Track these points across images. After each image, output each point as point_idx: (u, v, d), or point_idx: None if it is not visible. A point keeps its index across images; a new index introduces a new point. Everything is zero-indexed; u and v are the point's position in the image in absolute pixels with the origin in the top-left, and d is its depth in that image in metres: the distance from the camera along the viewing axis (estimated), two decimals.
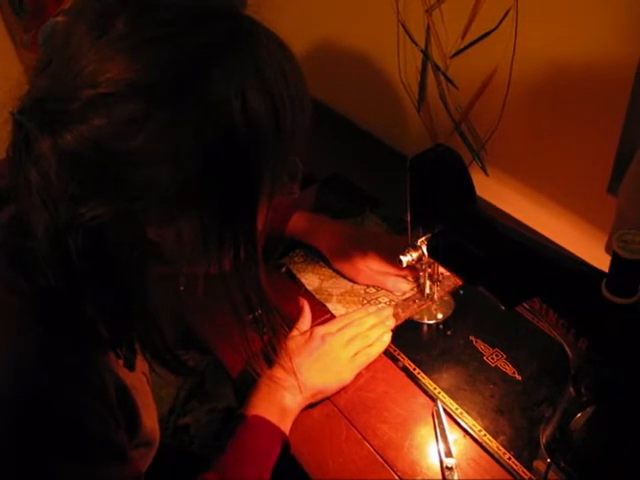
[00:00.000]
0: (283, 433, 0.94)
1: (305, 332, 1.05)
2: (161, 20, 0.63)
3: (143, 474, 0.80)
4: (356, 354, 1.03)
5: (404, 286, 1.16)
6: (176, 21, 0.64)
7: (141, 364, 0.87)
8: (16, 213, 0.67)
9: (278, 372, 0.98)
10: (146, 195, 0.63)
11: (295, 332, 1.06)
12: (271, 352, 0.92)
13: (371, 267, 1.16)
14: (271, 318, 0.83)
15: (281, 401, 0.96)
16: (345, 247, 1.18)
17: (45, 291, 0.65)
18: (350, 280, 1.18)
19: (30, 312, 0.68)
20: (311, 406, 1.00)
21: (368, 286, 1.18)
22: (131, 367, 0.78)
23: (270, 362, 0.99)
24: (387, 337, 1.07)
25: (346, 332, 1.05)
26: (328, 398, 1.01)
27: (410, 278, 1.17)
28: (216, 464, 0.90)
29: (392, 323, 1.09)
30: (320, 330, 1.05)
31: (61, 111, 0.61)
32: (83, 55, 0.61)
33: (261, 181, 0.69)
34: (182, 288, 0.76)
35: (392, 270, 1.16)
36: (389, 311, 1.11)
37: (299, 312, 1.10)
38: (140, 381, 0.87)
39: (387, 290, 1.16)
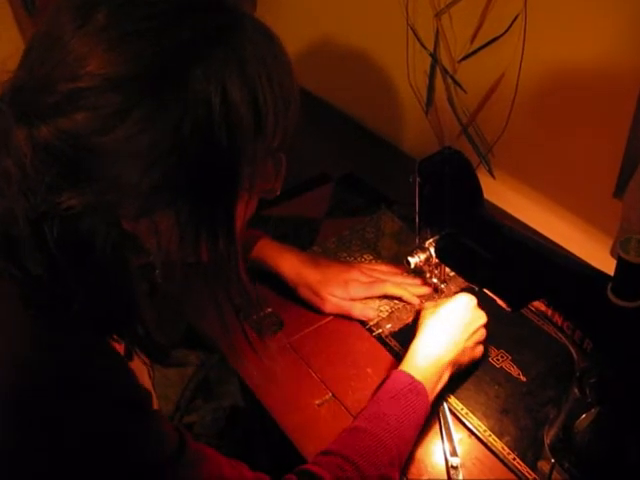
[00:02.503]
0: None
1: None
2: (144, 13, 0.63)
3: None
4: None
5: (370, 312, 1.14)
6: (159, 15, 0.63)
7: (142, 355, 0.88)
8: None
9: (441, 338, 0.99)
10: (120, 188, 0.63)
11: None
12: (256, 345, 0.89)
13: (335, 294, 1.14)
14: (254, 312, 0.83)
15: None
16: (308, 276, 1.15)
17: (34, 277, 0.65)
18: (317, 309, 1.15)
19: (22, 297, 0.67)
20: (319, 405, 1.01)
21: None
22: (129, 356, 0.78)
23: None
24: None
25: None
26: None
27: (377, 304, 1.16)
28: (366, 413, 0.92)
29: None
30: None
31: (38, 102, 0.61)
32: (63, 46, 0.61)
33: (239, 177, 0.68)
34: (160, 278, 0.75)
35: (356, 296, 1.15)
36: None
37: None
38: (140, 372, 0.87)
39: (354, 317, 1.14)
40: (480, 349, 1.04)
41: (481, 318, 1.04)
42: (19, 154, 0.61)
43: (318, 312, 1.14)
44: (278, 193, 0.79)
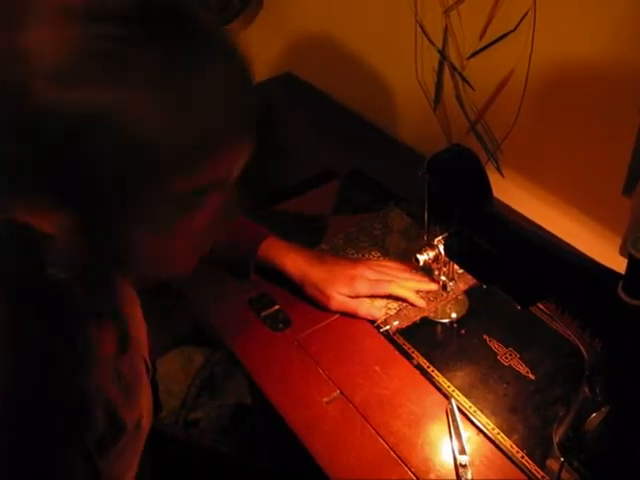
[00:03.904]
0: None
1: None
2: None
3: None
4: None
5: (377, 312, 1.13)
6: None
7: (142, 349, 0.88)
8: None
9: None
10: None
11: None
12: None
13: (341, 292, 1.14)
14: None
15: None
16: (313, 274, 1.15)
17: None
18: (323, 307, 1.15)
19: None
20: (327, 402, 1.01)
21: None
22: (123, 348, 0.77)
23: None
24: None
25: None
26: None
27: (385, 302, 1.16)
28: None
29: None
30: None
31: None
32: None
33: (123, 208, 0.64)
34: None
35: (362, 292, 1.14)
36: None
37: None
38: (137, 368, 0.86)
39: (360, 316, 1.14)
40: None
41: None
42: None
43: (326, 310, 1.14)
44: (211, 245, 0.76)
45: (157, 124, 0.59)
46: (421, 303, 1.14)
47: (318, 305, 1.14)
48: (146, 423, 0.87)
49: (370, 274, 1.16)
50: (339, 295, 1.13)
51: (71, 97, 0.56)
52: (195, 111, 0.60)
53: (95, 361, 0.72)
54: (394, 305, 1.15)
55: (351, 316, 1.13)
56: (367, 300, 1.14)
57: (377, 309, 1.14)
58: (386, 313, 1.14)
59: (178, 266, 0.77)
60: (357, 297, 1.14)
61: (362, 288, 1.14)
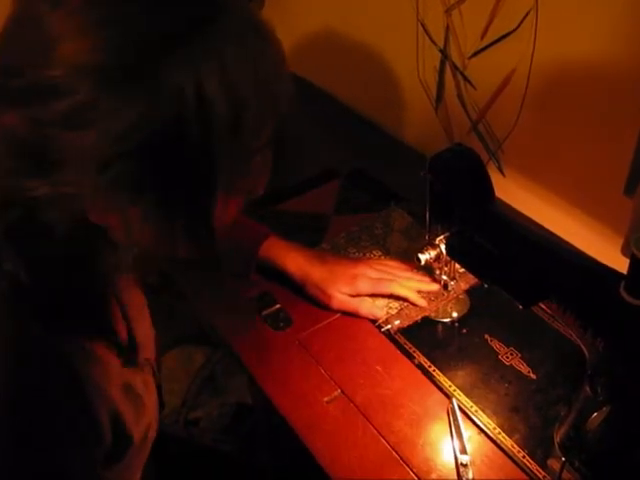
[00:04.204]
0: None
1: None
2: None
3: None
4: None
5: (378, 312, 1.13)
6: (137, 1, 0.59)
7: (148, 352, 0.87)
8: None
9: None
10: (85, 181, 0.61)
11: None
12: None
13: (342, 291, 1.14)
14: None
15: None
16: (314, 274, 1.15)
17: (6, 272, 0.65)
18: (325, 307, 1.14)
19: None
20: (328, 402, 1.01)
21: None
22: (130, 363, 0.77)
23: None
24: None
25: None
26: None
27: (386, 301, 1.16)
28: None
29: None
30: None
31: (6, 87, 0.59)
32: (35, 27, 0.58)
33: (214, 175, 0.64)
34: (133, 271, 0.75)
35: (363, 291, 1.14)
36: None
37: None
38: (142, 371, 0.86)
39: (362, 315, 1.14)
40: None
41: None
42: None
43: (327, 309, 1.14)
44: (262, 192, 0.75)
45: (251, 91, 0.63)
46: (422, 303, 1.14)
47: (319, 304, 1.14)
48: (153, 431, 0.88)
49: (371, 273, 1.16)
50: (340, 294, 1.13)
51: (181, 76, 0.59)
52: (271, 79, 0.66)
53: (97, 362, 0.72)
54: (395, 304, 1.15)
55: (352, 315, 1.13)
56: (369, 299, 1.14)
57: (379, 308, 1.14)
58: (387, 312, 1.14)
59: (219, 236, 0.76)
60: (358, 296, 1.14)
61: (363, 287, 1.14)
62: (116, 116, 0.58)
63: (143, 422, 0.82)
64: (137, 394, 0.81)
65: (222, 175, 0.64)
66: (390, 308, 1.14)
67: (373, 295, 1.15)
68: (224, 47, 0.61)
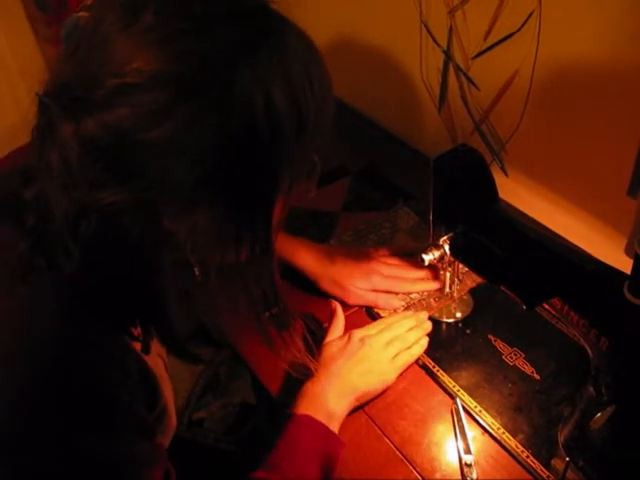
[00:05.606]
0: (333, 433, 0.93)
1: (343, 336, 1.04)
2: (191, 13, 0.64)
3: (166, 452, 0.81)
4: (396, 356, 1.02)
5: (395, 302, 1.15)
6: (207, 15, 0.64)
7: (158, 348, 0.88)
8: (38, 194, 0.67)
9: (322, 375, 0.97)
10: (163, 186, 0.64)
11: (330, 338, 1.05)
12: (295, 351, 0.90)
13: (358, 285, 1.15)
14: (285, 316, 0.85)
15: (326, 405, 0.94)
16: (329, 269, 1.16)
17: (62, 272, 0.66)
18: (340, 302, 1.14)
19: (48, 291, 0.68)
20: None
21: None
22: (146, 350, 0.78)
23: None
24: (424, 341, 1.07)
25: (385, 334, 1.04)
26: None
27: (400, 296, 1.16)
28: (264, 462, 0.88)
29: (429, 326, 1.09)
30: (358, 333, 1.04)
31: (85, 98, 0.61)
32: (110, 43, 0.62)
33: (279, 179, 0.69)
34: (196, 278, 0.76)
35: (379, 287, 1.15)
36: (425, 315, 1.11)
37: (331, 315, 1.10)
38: (157, 365, 0.87)
39: (379, 308, 1.15)
40: (401, 357, 1.03)
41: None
42: (65, 149, 0.61)
43: (328, 310, 1.13)
44: (313, 194, 0.80)
45: (310, 97, 0.68)
46: (434, 286, 1.16)
47: (323, 304, 1.14)
48: (172, 418, 0.90)
49: (384, 269, 1.17)
50: (357, 289, 1.14)
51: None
52: (324, 86, 0.71)
53: (116, 347, 0.73)
54: (402, 303, 1.16)
55: (356, 317, 1.14)
56: (383, 294, 1.16)
57: (396, 300, 1.15)
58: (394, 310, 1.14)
59: None
60: (374, 291, 1.15)
61: (379, 283, 1.15)
62: (192, 124, 0.61)
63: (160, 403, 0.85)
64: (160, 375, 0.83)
65: (285, 179, 0.69)
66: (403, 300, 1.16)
67: (387, 291, 1.16)
68: (286, 57, 0.66)
